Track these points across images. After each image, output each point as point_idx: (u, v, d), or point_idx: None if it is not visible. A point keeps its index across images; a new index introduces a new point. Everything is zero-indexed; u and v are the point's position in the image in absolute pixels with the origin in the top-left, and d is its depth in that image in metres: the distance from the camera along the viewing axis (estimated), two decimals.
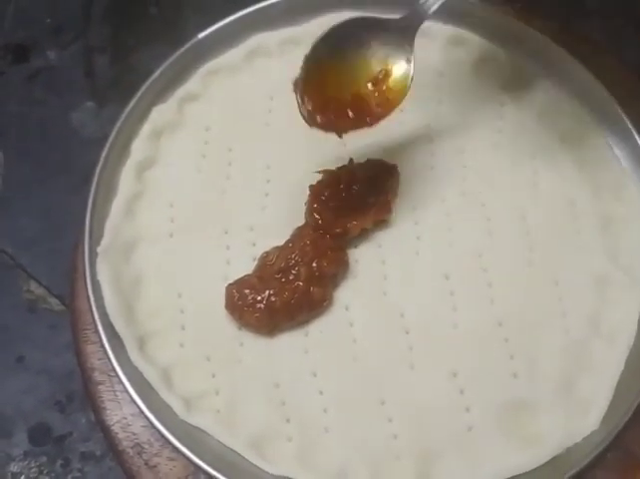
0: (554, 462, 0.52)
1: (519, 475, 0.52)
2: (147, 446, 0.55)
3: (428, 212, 0.61)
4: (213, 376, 0.55)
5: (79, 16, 0.83)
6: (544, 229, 0.60)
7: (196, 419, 0.53)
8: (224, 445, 0.53)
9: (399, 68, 0.53)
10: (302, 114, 0.52)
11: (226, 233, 0.60)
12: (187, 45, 0.64)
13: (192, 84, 0.65)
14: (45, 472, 0.65)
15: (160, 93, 0.64)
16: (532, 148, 0.62)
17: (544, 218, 0.60)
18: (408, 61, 0.52)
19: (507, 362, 0.56)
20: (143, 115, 0.63)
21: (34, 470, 0.65)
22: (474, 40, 0.66)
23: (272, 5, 0.66)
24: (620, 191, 0.60)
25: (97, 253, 0.57)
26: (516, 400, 0.54)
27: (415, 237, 0.60)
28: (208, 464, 0.51)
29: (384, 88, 0.53)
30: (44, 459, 0.65)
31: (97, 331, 0.55)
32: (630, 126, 0.61)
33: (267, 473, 0.52)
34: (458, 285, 0.58)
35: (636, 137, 0.61)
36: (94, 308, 0.55)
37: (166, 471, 0.54)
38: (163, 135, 0.63)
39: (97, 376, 0.57)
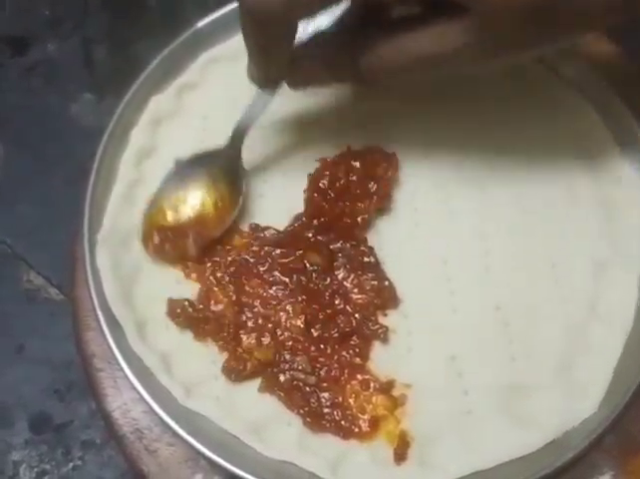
0: (553, 445, 0.52)
1: (518, 458, 0.52)
2: (147, 431, 0.55)
3: (426, 198, 0.61)
4: (213, 362, 0.56)
5: (77, 8, 0.83)
6: (543, 212, 0.60)
7: (196, 404, 0.53)
8: (224, 430, 0.53)
9: (230, 188, 0.59)
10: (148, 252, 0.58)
11: None
12: (186, 34, 0.65)
13: (191, 73, 0.65)
14: (46, 460, 0.65)
15: (159, 82, 0.64)
16: (530, 134, 0.62)
17: (543, 201, 0.60)
18: (235, 186, 0.59)
19: (506, 346, 0.56)
20: (141, 104, 0.63)
21: (35, 459, 0.65)
22: None
23: None
24: (619, 176, 0.61)
25: (96, 241, 0.58)
26: (515, 384, 0.54)
27: (413, 223, 0.60)
28: (208, 449, 0.51)
29: (220, 208, 0.58)
30: (45, 448, 0.66)
31: (96, 318, 0.55)
32: (627, 112, 0.61)
33: (267, 458, 0.52)
34: (456, 270, 0.58)
35: (634, 122, 0.61)
36: (93, 295, 0.56)
37: (167, 456, 0.54)
38: (162, 123, 0.63)
39: (97, 363, 0.57)
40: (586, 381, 0.54)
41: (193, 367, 0.55)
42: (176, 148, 0.62)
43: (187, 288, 0.58)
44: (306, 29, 0.53)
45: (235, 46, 0.64)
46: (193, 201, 0.58)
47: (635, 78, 0.64)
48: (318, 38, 0.54)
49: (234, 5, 0.65)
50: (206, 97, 0.64)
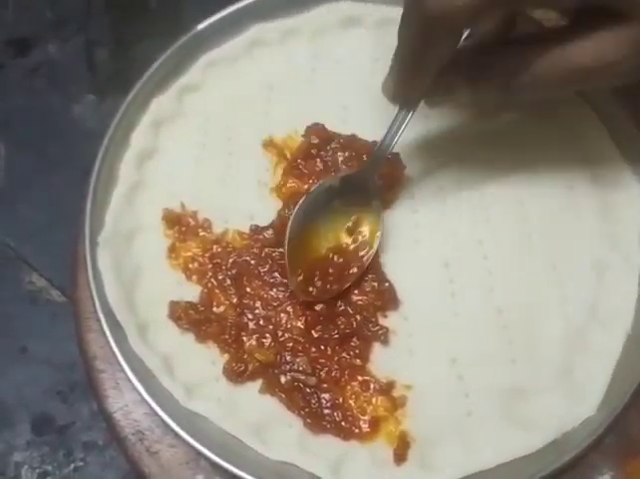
0: (552, 446, 0.53)
1: (518, 459, 0.52)
2: (148, 433, 0.55)
3: (426, 200, 0.61)
4: (214, 363, 0.56)
5: (80, 10, 0.83)
6: (543, 215, 0.60)
7: (197, 405, 0.54)
8: (225, 431, 0.53)
9: (367, 215, 0.58)
10: (295, 291, 0.56)
11: (226, 222, 0.61)
12: (187, 36, 0.65)
13: (192, 75, 0.65)
14: (48, 462, 0.66)
15: (160, 84, 0.64)
16: (531, 139, 0.63)
17: (543, 204, 0.60)
18: (373, 212, 0.58)
19: (506, 348, 0.56)
20: (142, 106, 0.63)
21: (37, 460, 0.66)
22: None
23: None
24: (619, 177, 0.61)
25: (97, 243, 0.58)
26: (515, 386, 0.55)
27: (413, 225, 0.60)
28: (209, 450, 0.52)
29: (358, 238, 0.58)
30: (47, 449, 0.66)
31: (98, 320, 0.56)
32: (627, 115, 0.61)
33: (268, 458, 0.53)
34: (457, 273, 0.58)
35: (634, 126, 0.61)
36: (95, 297, 0.56)
37: (168, 457, 0.54)
38: (163, 125, 0.63)
39: (98, 365, 0.57)
40: (586, 383, 0.54)
41: (195, 369, 0.56)
42: (177, 149, 0.63)
43: (189, 290, 0.58)
44: None
45: (235, 48, 0.65)
46: (330, 236, 0.58)
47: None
48: (461, 54, 0.51)
49: (234, 8, 0.65)
50: (207, 99, 0.64)
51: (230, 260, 0.58)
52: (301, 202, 0.57)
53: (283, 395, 0.55)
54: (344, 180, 0.58)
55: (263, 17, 0.66)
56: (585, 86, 0.50)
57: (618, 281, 0.58)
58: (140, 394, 0.53)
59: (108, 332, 0.55)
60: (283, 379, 0.55)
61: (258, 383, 0.55)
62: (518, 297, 0.58)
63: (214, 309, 0.57)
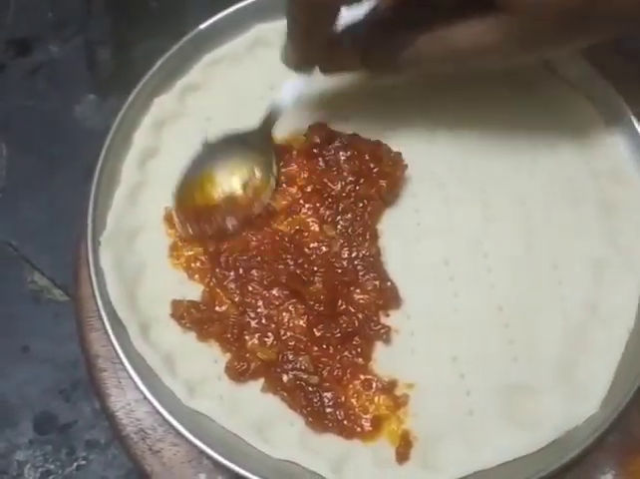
0: (555, 445, 0.53)
1: (520, 458, 0.52)
2: (150, 431, 0.55)
3: (428, 198, 0.61)
4: (216, 362, 0.56)
5: (80, 10, 0.83)
6: (544, 213, 0.60)
7: (199, 404, 0.54)
8: (227, 430, 0.53)
9: (259, 172, 0.60)
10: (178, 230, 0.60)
11: None
12: (188, 36, 0.65)
13: (194, 74, 0.65)
14: (50, 460, 0.66)
15: (162, 84, 0.64)
16: (532, 135, 0.63)
17: (544, 202, 0.60)
18: (267, 166, 0.60)
19: (507, 347, 0.56)
20: (144, 106, 0.63)
21: (39, 458, 0.66)
22: None
23: None
24: (619, 175, 0.61)
25: (100, 242, 0.58)
26: (517, 384, 0.55)
27: (415, 223, 0.60)
28: (211, 448, 0.52)
29: (249, 191, 0.60)
30: (49, 448, 0.66)
31: (100, 319, 0.56)
32: (629, 111, 0.61)
33: (270, 457, 0.53)
34: (458, 271, 0.58)
35: (634, 122, 0.61)
36: (97, 296, 0.56)
37: (170, 456, 0.55)
38: (165, 125, 0.63)
39: (101, 363, 0.58)
40: (588, 381, 0.54)
41: (197, 367, 0.56)
42: (180, 149, 0.63)
43: (191, 289, 0.58)
44: (343, 16, 0.54)
45: (237, 48, 0.65)
46: (223, 181, 0.59)
47: (635, 77, 0.64)
48: (354, 26, 0.55)
49: (235, 7, 0.65)
50: (209, 98, 0.64)
51: (231, 259, 0.58)
52: (193, 155, 0.60)
53: (285, 394, 0.55)
54: (238, 136, 0.60)
55: (265, 17, 0.66)
56: (465, 65, 0.54)
57: (619, 279, 0.58)
58: (142, 393, 0.53)
59: (110, 331, 0.55)
60: (285, 378, 0.55)
61: (260, 382, 0.55)
62: (519, 296, 0.58)
63: (216, 308, 0.57)
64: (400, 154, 0.60)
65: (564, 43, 0.51)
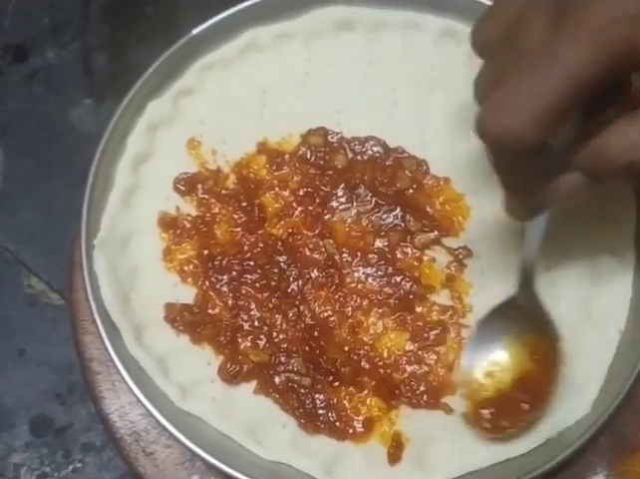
0: (546, 445, 0.53)
1: (512, 459, 0.53)
2: (144, 434, 0.56)
3: None
4: (209, 364, 0.56)
5: (77, 16, 0.83)
6: None
7: (192, 406, 0.54)
8: (220, 432, 0.54)
9: (541, 334, 0.54)
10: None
11: None
12: (182, 41, 0.65)
13: (187, 79, 0.65)
14: (46, 463, 0.66)
15: (156, 88, 0.64)
16: None
17: None
18: (546, 326, 0.54)
19: None
20: (138, 110, 0.63)
21: (35, 461, 0.66)
22: (465, 32, 0.66)
23: (266, 0, 0.66)
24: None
25: (94, 245, 0.58)
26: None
27: None
28: (205, 451, 0.52)
29: (539, 359, 0.53)
30: (45, 450, 0.66)
31: (94, 322, 0.56)
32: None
33: (263, 459, 0.53)
34: None
35: None
36: (91, 299, 0.56)
37: (163, 458, 0.55)
38: (159, 129, 0.64)
39: (95, 366, 0.58)
40: (580, 382, 0.55)
41: (190, 370, 0.56)
42: (173, 153, 0.63)
43: (184, 292, 0.59)
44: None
45: (230, 52, 0.65)
46: (505, 361, 0.53)
47: None
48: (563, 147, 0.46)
49: (229, 12, 0.65)
50: (203, 102, 0.65)
51: (224, 262, 0.59)
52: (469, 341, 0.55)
53: (277, 396, 0.55)
54: (507, 305, 0.55)
55: (258, 21, 0.66)
56: None
57: (612, 281, 0.58)
58: (135, 396, 0.54)
59: (103, 334, 0.55)
60: (277, 380, 0.55)
61: (253, 384, 0.56)
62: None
63: (209, 311, 0.58)
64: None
65: None
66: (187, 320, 0.57)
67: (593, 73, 0.39)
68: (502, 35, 0.46)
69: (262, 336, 0.56)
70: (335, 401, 0.55)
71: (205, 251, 0.59)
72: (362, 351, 0.56)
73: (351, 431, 0.54)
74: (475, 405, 0.52)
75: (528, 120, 0.40)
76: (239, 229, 0.60)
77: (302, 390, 0.55)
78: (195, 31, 0.65)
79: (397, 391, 0.54)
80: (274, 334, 0.56)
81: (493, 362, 0.53)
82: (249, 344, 0.56)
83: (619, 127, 0.42)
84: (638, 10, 0.39)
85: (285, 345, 0.56)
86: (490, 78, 0.46)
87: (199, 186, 0.62)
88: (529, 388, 0.52)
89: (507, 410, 0.52)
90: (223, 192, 0.61)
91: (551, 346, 0.53)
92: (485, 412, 0.52)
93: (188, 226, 0.61)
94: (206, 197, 0.62)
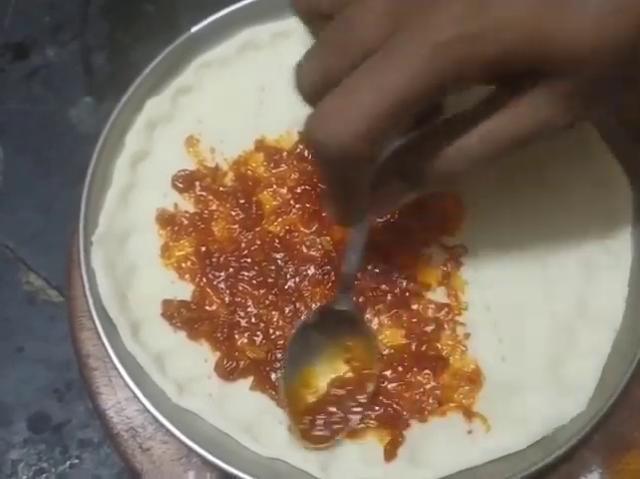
0: (541, 443, 0.53)
1: (506, 456, 0.53)
2: (140, 430, 0.56)
3: None
4: (206, 361, 0.56)
5: (77, 15, 0.84)
6: (533, 213, 0.60)
7: (189, 403, 0.54)
8: (216, 428, 0.54)
9: (358, 346, 0.55)
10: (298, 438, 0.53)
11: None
12: (181, 39, 0.65)
13: (186, 77, 0.65)
14: (44, 459, 0.66)
15: (154, 86, 0.65)
16: None
17: (532, 203, 0.61)
18: (363, 336, 0.55)
19: (496, 346, 0.56)
20: (137, 108, 0.64)
21: (33, 457, 0.66)
22: None
23: None
24: (609, 176, 0.61)
25: (91, 242, 0.59)
26: (505, 383, 0.55)
27: None
28: (201, 446, 0.52)
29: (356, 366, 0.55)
30: (43, 446, 0.67)
31: (91, 318, 0.56)
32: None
33: (258, 455, 0.53)
34: None
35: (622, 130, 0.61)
36: (88, 296, 0.56)
37: (160, 454, 0.55)
38: (157, 127, 0.64)
39: (92, 362, 0.58)
40: (575, 380, 0.55)
41: (187, 366, 0.56)
42: (171, 151, 0.63)
43: (182, 288, 0.59)
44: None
45: (228, 50, 0.65)
46: (324, 369, 0.55)
47: None
48: (391, 160, 0.47)
49: (227, 10, 0.66)
50: (201, 100, 0.65)
51: (222, 259, 0.59)
52: (288, 347, 0.55)
53: (274, 392, 0.55)
54: (321, 312, 0.56)
55: (256, 20, 0.66)
56: (519, 150, 0.45)
57: (608, 279, 0.58)
58: (132, 391, 0.54)
59: (100, 330, 0.55)
60: (274, 376, 0.55)
61: (249, 380, 0.56)
62: (508, 295, 0.58)
63: (207, 308, 0.58)
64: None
65: (613, 101, 0.45)
66: (185, 317, 0.57)
67: (428, 88, 0.39)
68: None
69: (259, 333, 0.57)
70: None
71: (203, 248, 0.60)
72: None
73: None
74: (296, 417, 0.53)
75: (356, 133, 0.39)
76: (237, 226, 0.60)
77: None
78: (194, 29, 0.66)
79: (401, 422, 0.54)
80: (271, 331, 0.57)
81: (310, 370, 0.54)
82: (246, 341, 0.56)
83: (436, 142, 0.44)
84: (477, 28, 0.39)
85: (282, 342, 0.56)
86: (318, 67, 0.44)
87: (197, 183, 0.62)
88: (348, 392, 0.54)
89: (326, 417, 0.53)
90: (221, 189, 0.62)
91: (368, 348, 0.55)
92: (306, 422, 0.53)
93: (186, 223, 0.61)
94: (204, 194, 0.62)
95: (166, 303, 0.58)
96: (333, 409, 0.53)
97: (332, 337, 0.55)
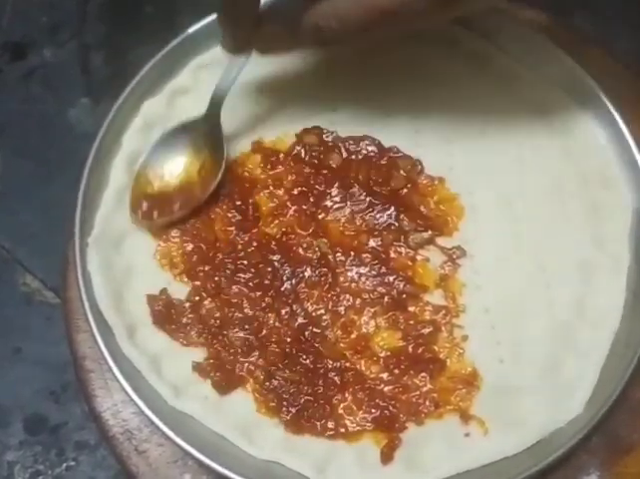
0: (539, 446, 0.53)
1: (504, 459, 0.53)
2: (136, 432, 0.56)
3: None
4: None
5: (75, 15, 0.84)
6: (531, 215, 0.60)
7: (185, 405, 0.54)
8: (212, 430, 0.54)
9: (212, 154, 0.61)
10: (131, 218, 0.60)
11: None
12: (178, 39, 0.65)
13: (183, 78, 0.65)
14: (40, 461, 0.66)
15: (151, 87, 0.65)
16: (519, 136, 0.63)
17: (531, 204, 0.61)
18: (217, 151, 0.61)
19: (494, 348, 0.56)
20: (134, 109, 0.64)
21: (29, 459, 0.66)
22: (461, 36, 0.66)
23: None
24: (607, 178, 0.61)
25: (87, 243, 0.58)
26: (502, 385, 0.55)
27: None
28: (197, 449, 0.52)
29: (203, 174, 0.60)
30: (39, 448, 0.66)
31: (87, 320, 0.56)
32: (616, 115, 0.61)
33: (255, 458, 0.53)
34: None
35: (621, 126, 0.61)
36: (84, 297, 0.56)
37: (156, 456, 0.55)
38: (154, 128, 0.64)
39: (88, 364, 0.58)
40: (573, 382, 0.55)
41: (183, 368, 0.56)
42: None
43: (178, 290, 0.59)
44: None
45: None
46: (177, 168, 0.61)
47: (625, 81, 0.65)
48: (279, 2, 0.56)
49: None
50: (198, 101, 0.64)
51: (217, 260, 0.59)
52: (151, 146, 0.61)
53: (271, 396, 0.55)
54: (187, 125, 0.62)
55: None
56: (390, 27, 0.52)
57: (606, 281, 0.58)
58: (127, 394, 0.54)
59: (96, 332, 0.55)
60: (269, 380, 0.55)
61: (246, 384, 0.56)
62: (506, 297, 0.58)
63: (202, 311, 0.58)
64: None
65: None
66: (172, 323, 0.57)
67: None
68: None
69: (253, 336, 0.56)
70: (326, 406, 0.54)
71: (199, 250, 0.59)
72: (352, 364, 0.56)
73: (343, 430, 0.54)
74: (136, 197, 0.60)
75: None
76: (233, 227, 0.60)
77: (291, 390, 0.55)
78: (191, 30, 0.66)
79: (397, 424, 0.54)
80: (266, 333, 0.56)
81: (166, 168, 0.61)
82: (239, 343, 0.56)
83: None
84: None
85: (275, 347, 0.56)
86: None
87: None
88: (186, 195, 0.60)
89: (161, 206, 0.60)
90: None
91: (217, 165, 0.60)
92: (145, 204, 0.60)
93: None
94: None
95: (151, 298, 0.58)
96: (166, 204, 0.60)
97: (195, 149, 0.61)
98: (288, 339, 0.56)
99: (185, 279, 0.59)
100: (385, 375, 0.55)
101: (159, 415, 0.53)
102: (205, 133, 0.61)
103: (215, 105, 0.61)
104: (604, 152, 0.62)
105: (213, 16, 0.65)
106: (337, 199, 0.61)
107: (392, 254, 0.59)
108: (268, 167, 0.62)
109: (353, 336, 0.56)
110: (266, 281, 0.58)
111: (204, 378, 0.55)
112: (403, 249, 0.59)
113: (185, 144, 0.61)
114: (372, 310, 0.57)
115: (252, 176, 0.62)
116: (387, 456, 0.53)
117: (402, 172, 0.61)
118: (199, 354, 0.56)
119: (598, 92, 0.62)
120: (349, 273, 0.58)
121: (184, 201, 0.60)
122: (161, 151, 0.61)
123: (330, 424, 0.54)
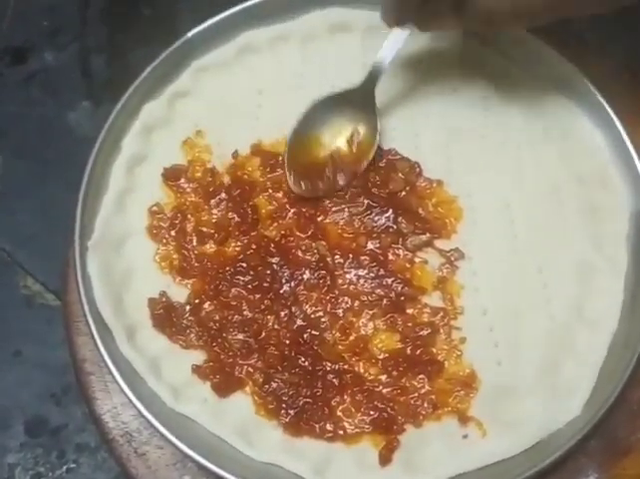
0: (537, 448, 0.53)
1: (502, 460, 0.53)
2: (136, 434, 0.56)
3: None
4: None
5: (75, 18, 0.84)
6: (529, 217, 0.60)
7: (184, 407, 0.54)
8: (211, 433, 0.54)
9: (364, 128, 0.62)
10: (290, 186, 0.61)
11: None
12: (178, 43, 0.65)
13: (183, 81, 0.66)
14: (41, 463, 0.66)
15: (151, 90, 0.65)
16: (516, 138, 0.63)
17: (529, 206, 0.61)
18: (371, 122, 0.62)
19: (492, 350, 0.56)
20: (134, 112, 0.64)
21: (30, 461, 0.66)
22: (456, 33, 0.66)
23: (261, 3, 0.66)
24: (604, 180, 0.61)
25: (87, 247, 0.59)
26: (500, 387, 0.55)
27: None
28: (195, 451, 0.52)
29: (354, 147, 0.61)
30: (40, 451, 0.67)
31: (87, 323, 0.56)
32: (613, 116, 0.61)
33: (254, 460, 0.53)
34: None
35: (619, 127, 0.61)
36: (84, 300, 0.57)
37: (155, 459, 0.55)
38: (154, 131, 0.64)
39: (88, 367, 0.58)
40: (571, 384, 0.55)
41: (182, 371, 0.56)
42: (167, 155, 0.63)
43: (178, 293, 0.59)
44: None
45: (225, 54, 0.66)
46: (330, 139, 0.62)
47: (622, 83, 0.65)
48: None
49: (224, 15, 0.66)
50: (198, 104, 0.65)
51: (218, 264, 0.59)
52: (302, 114, 0.61)
53: (270, 398, 0.55)
54: (343, 94, 0.62)
55: (253, 24, 0.66)
56: (569, 14, 0.53)
57: (604, 283, 0.58)
58: (127, 397, 0.54)
59: (96, 336, 0.55)
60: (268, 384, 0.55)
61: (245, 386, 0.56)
62: (504, 299, 0.58)
63: (201, 313, 0.58)
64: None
65: None
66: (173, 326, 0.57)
67: None
68: None
69: (252, 338, 0.57)
70: (324, 408, 0.55)
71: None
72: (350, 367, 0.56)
73: (342, 432, 0.54)
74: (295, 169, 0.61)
75: None
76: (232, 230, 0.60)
77: (290, 392, 0.55)
78: (191, 33, 0.66)
79: (396, 426, 0.54)
80: (264, 336, 0.57)
81: (317, 136, 0.62)
82: (238, 345, 0.56)
83: None
84: None
85: (274, 349, 0.56)
86: None
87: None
88: (338, 164, 0.61)
89: (316, 175, 0.61)
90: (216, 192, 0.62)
91: (372, 137, 0.61)
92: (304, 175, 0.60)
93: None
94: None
95: (152, 302, 0.58)
96: (327, 171, 0.60)
97: (341, 114, 0.61)
98: (287, 342, 0.56)
99: (185, 282, 0.59)
100: (383, 377, 0.55)
101: (158, 418, 0.53)
102: (358, 105, 0.61)
103: (373, 77, 0.61)
104: (602, 153, 0.62)
105: (213, 19, 0.66)
106: (336, 201, 0.61)
107: (390, 257, 0.59)
108: (267, 169, 0.62)
109: (351, 338, 0.56)
110: (265, 284, 0.58)
111: (204, 381, 0.55)
112: (401, 252, 0.59)
113: (337, 115, 0.61)
114: (370, 313, 0.57)
115: (251, 178, 0.62)
116: (385, 458, 0.53)
117: (400, 174, 0.61)
118: (199, 357, 0.57)
119: (596, 94, 0.62)
120: (347, 276, 0.58)
121: (337, 171, 0.61)
122: (312, 120, 0.62)
123: (329, 426, 0.54)
